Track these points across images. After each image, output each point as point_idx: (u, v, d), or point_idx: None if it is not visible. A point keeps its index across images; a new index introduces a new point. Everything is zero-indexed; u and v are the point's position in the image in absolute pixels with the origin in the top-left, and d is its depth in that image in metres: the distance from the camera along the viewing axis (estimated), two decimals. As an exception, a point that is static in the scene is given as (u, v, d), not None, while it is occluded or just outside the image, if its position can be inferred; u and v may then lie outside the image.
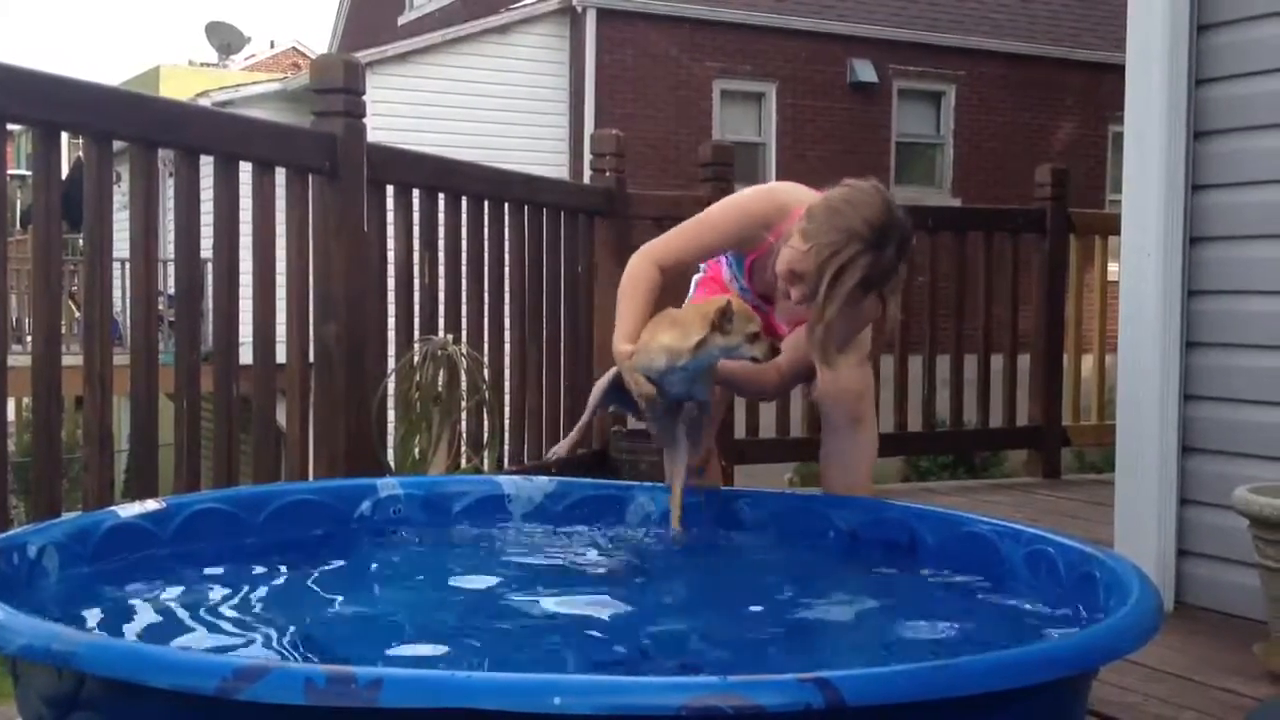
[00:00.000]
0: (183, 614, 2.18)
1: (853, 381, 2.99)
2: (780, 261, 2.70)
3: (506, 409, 4.48)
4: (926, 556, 2.65)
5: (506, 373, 4.55)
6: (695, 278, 3.25)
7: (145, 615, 2.16)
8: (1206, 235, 3.32)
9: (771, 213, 2.82)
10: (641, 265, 2.87)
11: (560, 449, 3.13)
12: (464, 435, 3.88)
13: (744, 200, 2.92)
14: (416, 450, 3.70)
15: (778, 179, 15.86)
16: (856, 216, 2.61)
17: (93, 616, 2.11)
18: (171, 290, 3.68)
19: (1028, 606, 2.33)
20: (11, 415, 12.68)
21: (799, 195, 2.82)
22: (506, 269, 4.53)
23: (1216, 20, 3.29)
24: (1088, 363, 6.03)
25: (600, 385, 2.92)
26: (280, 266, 3.51)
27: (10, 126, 2.82)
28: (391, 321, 3.96)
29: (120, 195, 5.02)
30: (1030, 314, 5.84)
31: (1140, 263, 3.36)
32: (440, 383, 3.71)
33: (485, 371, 4.12)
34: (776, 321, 3.04)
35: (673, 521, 2.78)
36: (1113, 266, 3.89)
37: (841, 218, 2.61)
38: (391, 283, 3.98)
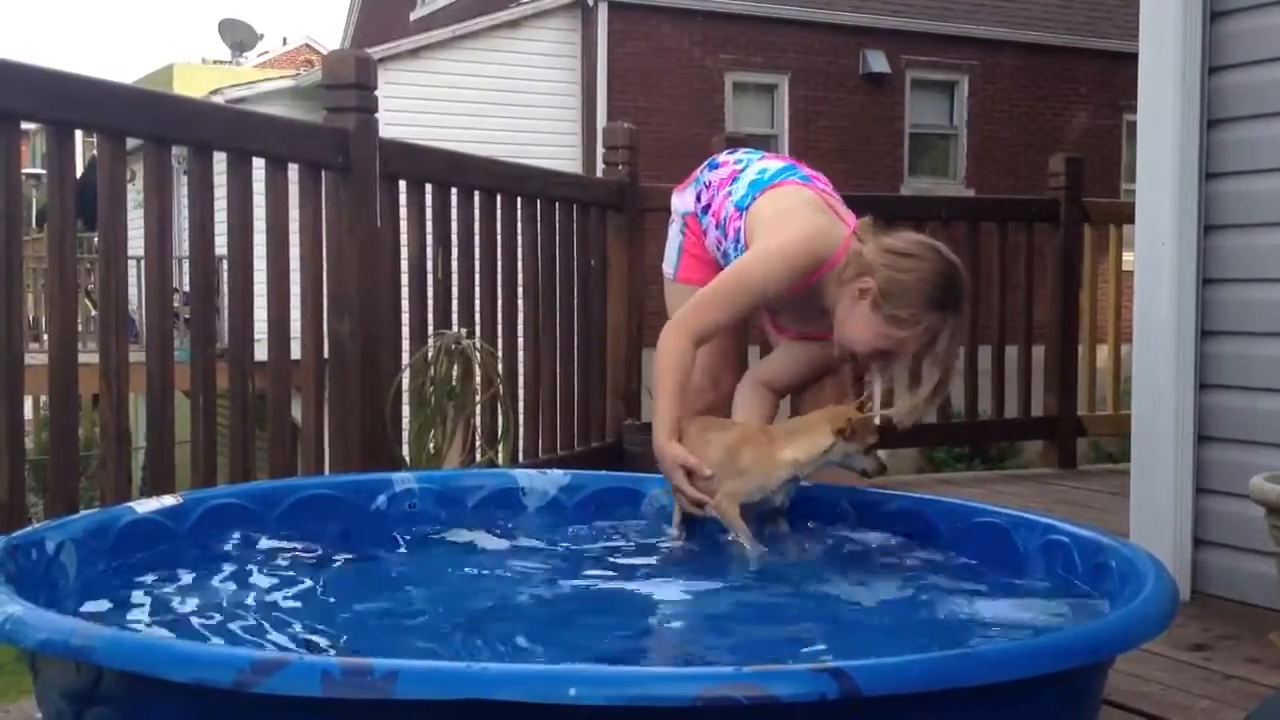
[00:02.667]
0: (199, 608, 2.19)
1: None
2: (863, 338, 2.63)
3: (520, 403, 4.49)
4: (941, 546, 2.65)
5: (520, 366, 4.55)
6: (673, 236, 3.12)
7: (162, 610, 2.17)
8: (1221, 223, 3.31)
9: (816, 263, 2.71)
10: (680, 346, 2.67)
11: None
12: (478, 429, 3.89)
13: (787, 257, 2.71)
14: (431, 445, 3.71)
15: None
16: (929, 283, 2.58)
17: (110, 611, 2.12)
18: (186, 287, 3.70)
19: (1043, 596, 2.33)
20: (29, 413, 12.74)
21: (836, 232, 2.74)
22: (519, 263, 4.54)
23: (1229, 8, 3.27)
24: (1103, 352, 6.01)
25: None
26: (294, 263, 3.53)
27: (25, 125, 2.83)
28: (405, 316, 3.97)
29: (134, 193, 5.04)
30: (1045, 304, 5.83)
31: (1155, 251, 3.35)
32: (455, 377, 3.72)
33: (499, 365, 4.13)
34: (781, 325, 3.00)
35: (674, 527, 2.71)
36: (1127, 255, 3.88)
37: (918, 292, 2.57)
38: (405, 278, 3.98)
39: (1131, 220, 3.51)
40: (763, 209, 2.82)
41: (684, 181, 3.13)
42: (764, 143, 15.44)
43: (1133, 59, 3.52)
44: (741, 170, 2.95)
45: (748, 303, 2.75)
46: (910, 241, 2.65)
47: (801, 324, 2.93)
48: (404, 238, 3.97)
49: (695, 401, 2.83)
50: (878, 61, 16.37)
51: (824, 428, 2.57)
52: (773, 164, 2.97)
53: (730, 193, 2.92)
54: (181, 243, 3.48)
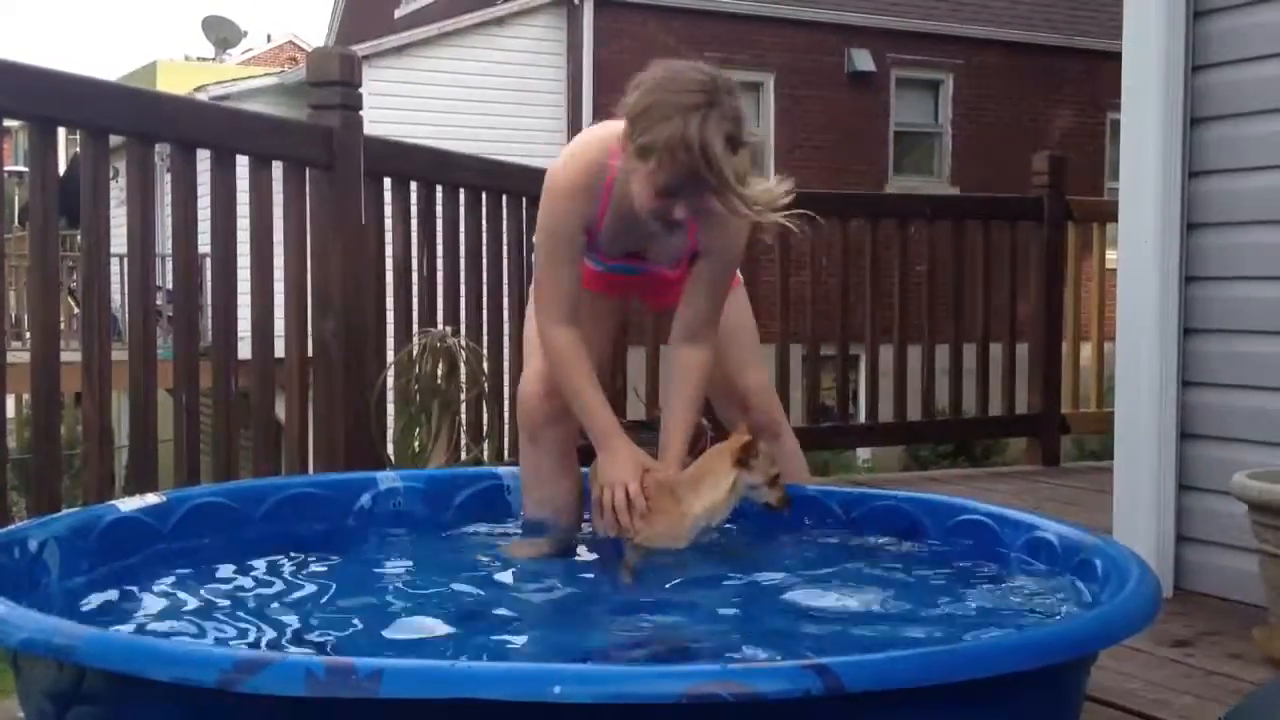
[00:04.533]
0: (183, 607, 2.19)
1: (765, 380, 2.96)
2: (641, 196, 2.38)
3: (505, 401, 4.48)
4: (925, 544, 2.65)
5: (505, 364, 4.55)
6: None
7: (146, 609, 2.16)
8: (1204, 221, 3.32)
9: (588, 171, 2.51)
10: (551, 333, 2.56)
11: (527, 552, 2.64)
12: (463, 427, 3.88)
13: (561, 181, 2.54)
14: (416, 443, 3.70)
15: (776, 169, 15.81)
16: (675, 91, 2.32)
17: (93, 610, 2.11)
18: (169, 285, 3.69)
19: (1026, 592, 2.33)
20: (11, 412, 12.68)
21: (603, 132, 2.53)
22: (504, 260, 4.53)
23: (1212, 6, 3.29)
24: (1086, 350, 6.03)
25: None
26: (278, 260, 3.52)
27: (7, 122, 2.82)
28: (390, 314, 3.96)
29: (117, 191, 5.02)
30: (1029, 302, 5.84)
31: (1138, 249, 3.36)
32: (439, 375, 3.72)
33: (484, 363, 4.13)
34: (665, 272, 2.73)
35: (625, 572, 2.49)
36: (1111, 254, 3.89)
37: (664, 104, 2.31)
38: (390, 275, 3.98)
39: (1115, 218, 3.52)
40: None
41: None
42: (749, 141, 15.46)
43: (1116, 58, 3.53)
44: None
45: (563, 250, 2.54)
46: (653, 70, 2.42)
47: (626, 241, 2.66)
48: (389, 235, 3.96)
49: None
50: (863, 60, 16.39)
51: (722, 464, 2.47)
52: None
53: None
54: (165, 240, 3.47)
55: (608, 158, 2.49)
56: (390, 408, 3.81)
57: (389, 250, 3.97)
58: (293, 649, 2.00)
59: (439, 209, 4.17)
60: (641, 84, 2.37)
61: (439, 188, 4.16)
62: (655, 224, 2.45)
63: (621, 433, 2.56)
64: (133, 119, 3.07)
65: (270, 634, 2.07)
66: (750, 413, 2.81)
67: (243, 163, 3.37)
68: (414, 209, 4.08)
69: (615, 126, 2.45)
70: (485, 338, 4.38)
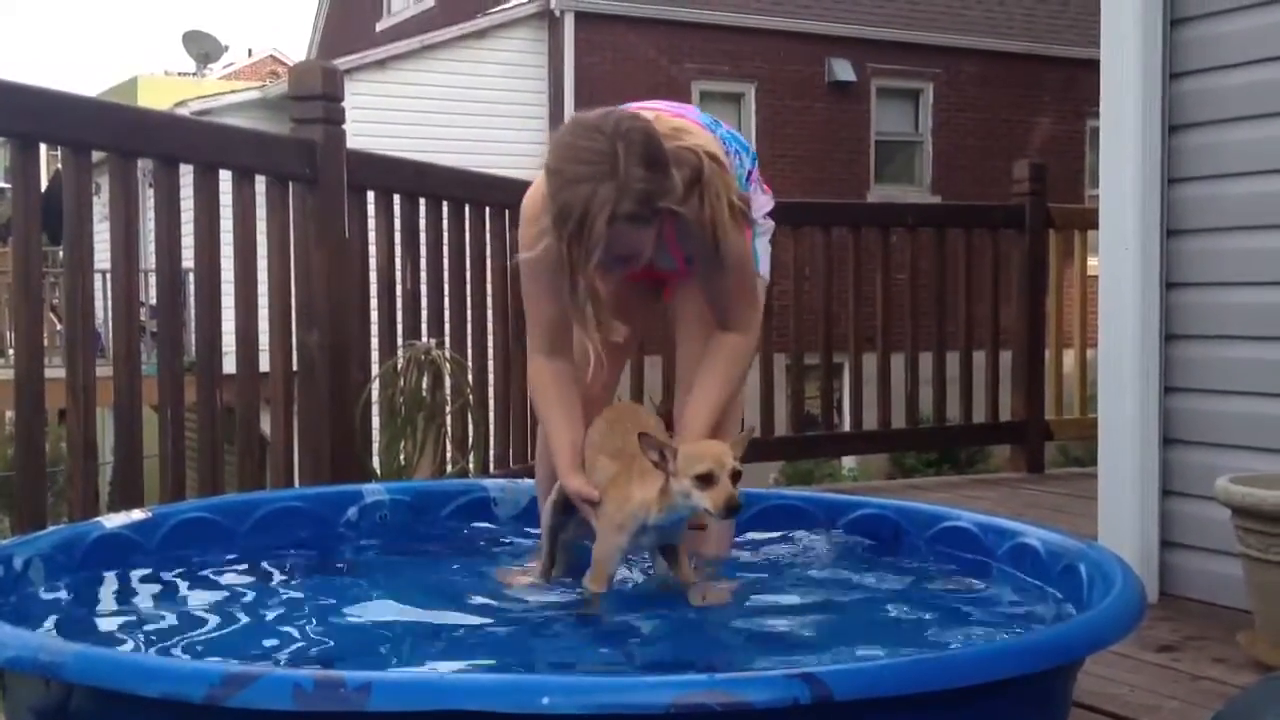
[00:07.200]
0: (170, 623, 2.18)
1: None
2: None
3: (491, 412, 4.48)
4: (910, 552, 2.66)
5: (490, 376, 4.55)
6: None
7: (132, 625, 2.15)
8: (1184, 228, 3.34)
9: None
10: (532, 365, 2.50)
11: (521, 581, 2.49)
12: (449, 439, 3.88)
13: (529, 207, 2.41)
14: (402, 456, 3.70)
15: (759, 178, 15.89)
16: (571, 162, 2.17)
17: (80, 627, 2.10)
18: (153, 300, 3.67)
19: (1012, 599, 2.34)
20: (-6, 429, 12.63)
21: None
22: (488, 273, 4.54)
23: (1189, 14, 3.31)
24: (1069, 357, 6.06)
25: (549, 509, 2.46)
26: (262, 275, 3.51)
27: (-12, 139, 2.82)
28: (374, 327, 3.96)
29: (100, 206, 5.01)
30: (1011, 310, 5.87)
31: (1119, 256, 3.38)
32: (424, 387, 3.72)
33: (469, 375, 4.13)
34: (676, 274, 2.59)
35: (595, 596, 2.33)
36: (1092, 261, 3.91)
37: (557, 176, 2.18)
38: (374, 288, 3.98)
39: (1096, 225, 3.54)
40: None
41: None
42: (731, 151, 15.49)
43: (1095, 65, 3.55)
44: None
45: (542, 278, 2.35)
46: (561, 130, 2.29)
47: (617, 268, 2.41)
48: (372, 248, 3.96)
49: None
50: (843, 70, 16.43)
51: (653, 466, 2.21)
52: None
53: None
54: (148, 255, 3.46)
55: None
56: (375, 420, 3.81)
57: (373, 263, 3.97)
58: (280, 663, 1.99)
59: (422, 222, 4.17)
60: (554, 141, 2.26)
61: (422, 201, 4.16)
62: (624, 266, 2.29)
63: (578, 471, 2.37)
64: (115, 134, 3.06)
65: (257, 649, 2.07)
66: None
67: (226, 177, 3.37)
68: (397, 222, 4.08)
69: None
70: (469, 350, 4.38)
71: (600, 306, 2.28)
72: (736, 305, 2.50)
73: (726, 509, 2.13)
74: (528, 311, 2.53)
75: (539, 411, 2.54)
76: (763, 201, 2.71)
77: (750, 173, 2.66)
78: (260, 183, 3.51)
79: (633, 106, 2.45)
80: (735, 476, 2.15)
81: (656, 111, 2.46)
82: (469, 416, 4.08)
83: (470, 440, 4.09)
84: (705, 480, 2.14)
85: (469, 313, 4.42)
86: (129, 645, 2.05)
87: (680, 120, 2.46)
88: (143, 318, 6.67)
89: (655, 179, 2.18)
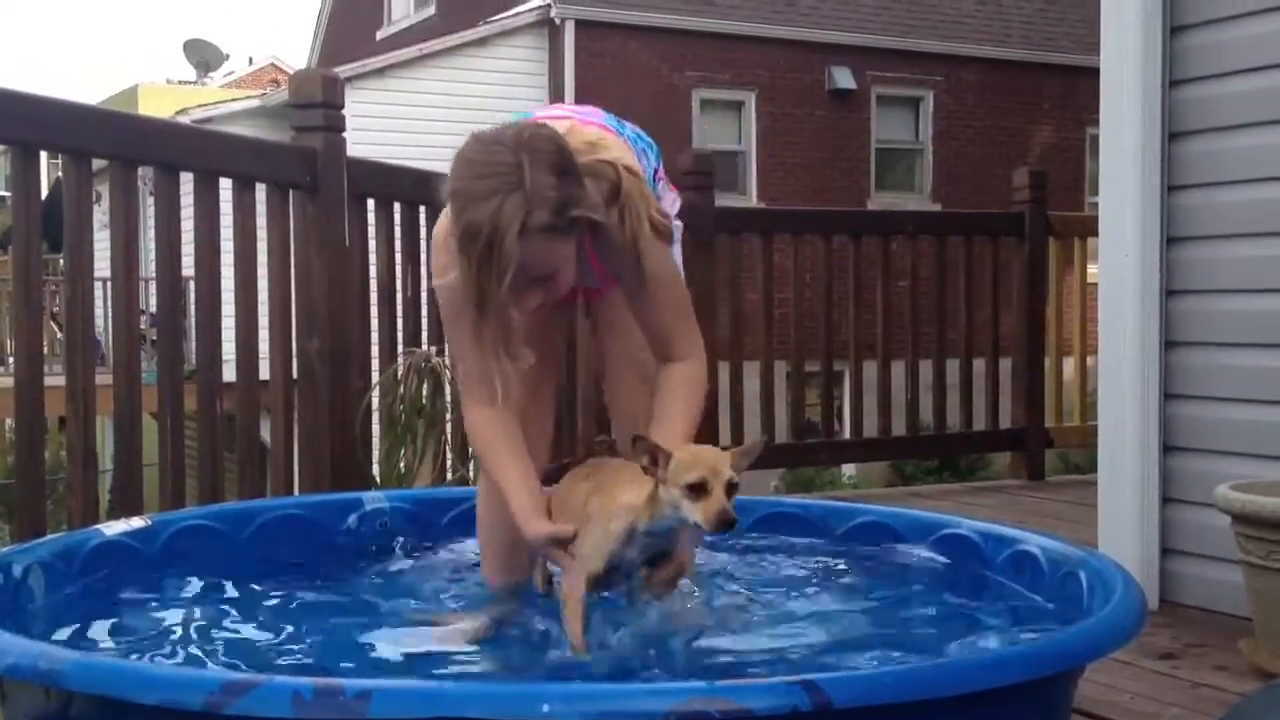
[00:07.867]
0: (169, 631, 2.18)
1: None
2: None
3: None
4: (908, 558, 2.66)
5: (490, 384, 4.54)
6: None
7: (132, 632, 2.15)
8: (1183, 235, 3.34)
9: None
10: (469, 416, 2.25)
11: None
12: (449, 447, 3.88)
13: (439, 233, 2.24)
14: (402, 463, 3.70)
15: (758, 187, 15.95)
16: (472, 179, 2.05)
17: (79, 635, 2.10)
18: (154, 308, 3.68)
19: (1012, 607, 2.34)
20: (-6, 437, 12.63)
21: None
22: (489, 281, 4.53)
23: (1188, 22, 3.32)
24: (1069, 364, 6.05)
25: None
26: (262, 282, 3.52)
27: (-11, 147, 2.82)
28: (375, 335, 3.96)
29: (101, 214, 5.01)
30: (1011, 317, 5.87)
31: (1118, 264, 3.38)
32: (424, 395, 3.72)
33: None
34: (597, 288, 2.42)
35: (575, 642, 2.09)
36: (1092, 268, 3.91)
37: (461, 195, 2.05)
38: (374, 296, 3.98)
39: (1096, 233, 3.55)
40: None
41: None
42: (732, 158, 15.52)
43: (1095, 73, 3.55)
44: None
45: (465, 322, 2.15)
46: (463, 147, 2.13)
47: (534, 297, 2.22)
48: (372, 256, 3.96)
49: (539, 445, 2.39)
50: (844, 78, 16.45)
51: (639, 472, 2.01)
52: None
53: None
54: (148, 263, 3.47)
55: None
56: (376, 428, 3.81)
57: (373, 271, 3.98)
58: (280, 671, 1.99)
59: (422, 229, 4.17)
60: (456, 159, 2.10)
61: (422, 208, 4.16)
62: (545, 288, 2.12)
63: (540, 514, 2.16)
64: (115, 142, 3.07)
65: (256, 656, 2.06)
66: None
67: (226, 185, 3.38)
68: (397, 230, 4.09)
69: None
70: (470, 358, 4.38)
71: (509, 336, 2.11)
72: (676, 329, 2.27)
73: (719, 523, 1.91)
74: (453, 356, 2.28)
75: (485, 465, 2.27)
76: (670, 199, 2.50)
77: (656, 170, 2.46)
78: (261, 190, 3.51)
79: (539, 115, 2.34)
80: (731, 489, 1.94)
81: (570, 121, 2.31)
82: (469, 424, 4.08)
83: (470, 448, 4.09)
84: (697, 490, 1.92)
85: (469, 320, 4.41)
86: (128, 653, 2.05)
87: (595, 132, 2.29)
88: (143, 325, 6.67)
89: (566, 186, 2.04)
